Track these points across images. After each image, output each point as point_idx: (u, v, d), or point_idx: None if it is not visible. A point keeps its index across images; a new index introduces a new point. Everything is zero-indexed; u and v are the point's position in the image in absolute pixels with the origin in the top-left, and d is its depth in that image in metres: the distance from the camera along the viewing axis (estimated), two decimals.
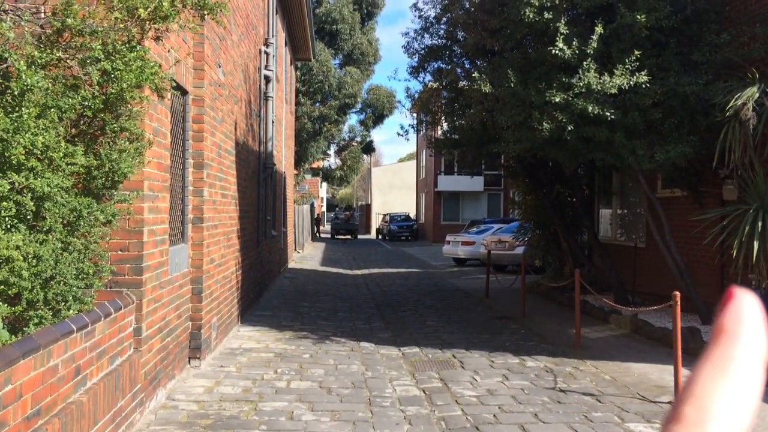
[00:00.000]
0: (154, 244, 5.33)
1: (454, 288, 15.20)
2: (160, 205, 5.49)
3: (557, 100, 7.43)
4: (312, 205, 37.91)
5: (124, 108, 3.80)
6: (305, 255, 25.77)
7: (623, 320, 9.41)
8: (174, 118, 6.15)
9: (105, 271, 4.17)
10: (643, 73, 7.42)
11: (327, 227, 52.95)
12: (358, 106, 32.88)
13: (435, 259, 24.48)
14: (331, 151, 37.87)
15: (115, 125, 3.79)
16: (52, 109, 3.03)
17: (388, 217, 44.99)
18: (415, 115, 14.40)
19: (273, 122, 12.68)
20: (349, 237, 45.15)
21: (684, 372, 5.96)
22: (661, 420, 5.31)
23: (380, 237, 46.40)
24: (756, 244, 6.99)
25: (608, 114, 7.45)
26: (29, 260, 3.00)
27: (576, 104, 7.43)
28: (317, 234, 45.71)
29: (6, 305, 3.02)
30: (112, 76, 3.46)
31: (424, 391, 6.19)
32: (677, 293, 5.86)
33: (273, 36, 12.34)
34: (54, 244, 3.26)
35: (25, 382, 3.10)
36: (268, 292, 13.13)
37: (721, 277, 9.50)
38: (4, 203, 2.84)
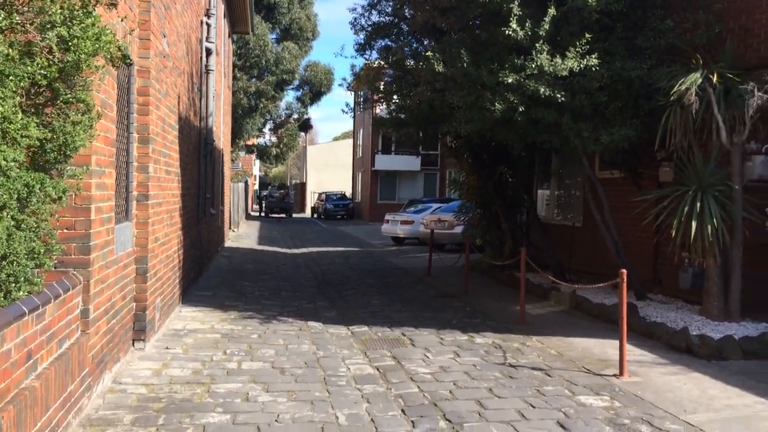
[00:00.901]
0: (101, 222, 5.09)
1: (394, 267, 15.29)
2: (106, 181, 5.23)
3: (510, 81, 7.50)
4: (246, 183, 37.24)
5: (78, 78, 3.57)
6: (240, 234, 25.35)
7: (563, 297, 9.70)
8: (119, 90, 5.86)
9: (56, 250, 3.94)
10: (593, 56, 7.57)
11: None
12: (296, 82, 32.40)
13: (372, 238, 24.55)
14: (267, 129, 37.24)
15: (69, 95, 3.56)
16: (9, 78, 2.80)
17: (323, 196, 44.81)
18: (356, 92, 14.29)
19: (214, 97, 12.31)
20: (283, 215, 44.83)
21: (627, 347, 6.17)
22: (608, 392, 5.51)
23: (316, 216, 46.19)
24: (694, 224, 7.31)
25: (559, 96, 7.59)
26: None
27: (528, 86, 7.52)
28: (265, 213, 45.36)
29: None
30: (70, 43, 3.23)
31: (378, 369, 6.20)
32: (624, 271, 6.06)
33: (214, 6, 11.93)
34: (7, 221, 3.04)
35: None
36: (206, 272, 12.84)
37: (655, 256, 9.92)
38: None
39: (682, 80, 7.20)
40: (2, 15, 2.86)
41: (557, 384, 5.75)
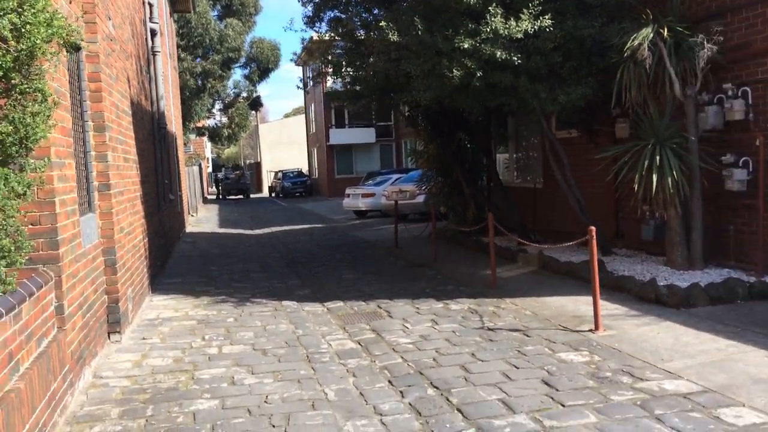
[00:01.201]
0: (66, 215, 4.94)
1: (360, 240, 15.29)
2: (67, 172, 5.07)
3: (466, 46, 7.49)
4: (200, 166, 36.56)
5: (33, 66, 3.42)
6: (200, 218, 24.95)
7: (530, 258, 9.86)
8: (70, 78, 5.64)
9: (25, 247, 3.81)
10: (547, 17, 7.61)
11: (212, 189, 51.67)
12: (242, 60, 31.76)
13: (334, 213, 24.47)
14: (216, 109, 36.50)
15: (25, 85, 3.41)
16: None
17: (280, 174, 44.37)
18: (304, 67, 14.05)
19: (163, 79, 11.98)
20: (241, 197, 44.31)
21: (600, 301, 6.32)
22: (587, 347, 5.65)
23: (273, 195, 45.75)
24: (654, 177, 7.49)
25: (515, 59, 7.61)
26: None
27: (484, 50, 7.53)
28: (222, 195, 44.67)
29: None
30: (23, 30, 3.08)
31: (359, 343, 6.22)
32: (593, 228, 6.19)
33: None
34: None
35: None
36: (171, 259, 12.64)
37: (615, 211, 10.15)
38: None
39: (635, 36, 7.30)
40: None
41: (536, 343, 5.86)
